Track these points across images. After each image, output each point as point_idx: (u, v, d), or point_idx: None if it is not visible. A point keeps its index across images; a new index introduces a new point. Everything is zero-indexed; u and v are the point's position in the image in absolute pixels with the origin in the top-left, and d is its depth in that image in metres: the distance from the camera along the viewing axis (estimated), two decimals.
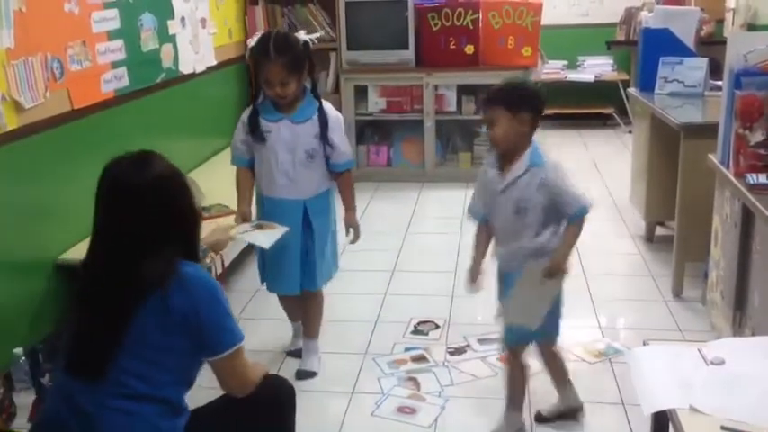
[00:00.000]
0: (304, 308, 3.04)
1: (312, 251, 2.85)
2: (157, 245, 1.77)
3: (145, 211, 1.77)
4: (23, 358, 2.82)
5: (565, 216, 2.36)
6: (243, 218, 2.81)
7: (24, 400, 2.74)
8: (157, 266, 1.75)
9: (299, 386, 2.60)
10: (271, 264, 2.90)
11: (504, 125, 2.31)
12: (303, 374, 2.95)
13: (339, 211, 2.97)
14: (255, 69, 2.74)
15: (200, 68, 4.54)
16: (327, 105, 2.84)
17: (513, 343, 2.55)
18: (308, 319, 3.05)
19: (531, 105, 2.33)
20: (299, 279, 2.87)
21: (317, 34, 3.01)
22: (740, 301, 2.60)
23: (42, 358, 2.82)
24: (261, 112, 2.78)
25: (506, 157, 2.38)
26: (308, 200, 2.81)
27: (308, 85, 2.83)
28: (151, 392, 1.76)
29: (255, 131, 2.76)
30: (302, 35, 2.77)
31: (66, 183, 3.14)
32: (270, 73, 2.66)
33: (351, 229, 2.94)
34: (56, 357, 1.84)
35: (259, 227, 2.73)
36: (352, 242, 2.98)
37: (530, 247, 2.37)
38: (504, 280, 2.49)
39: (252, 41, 2.76)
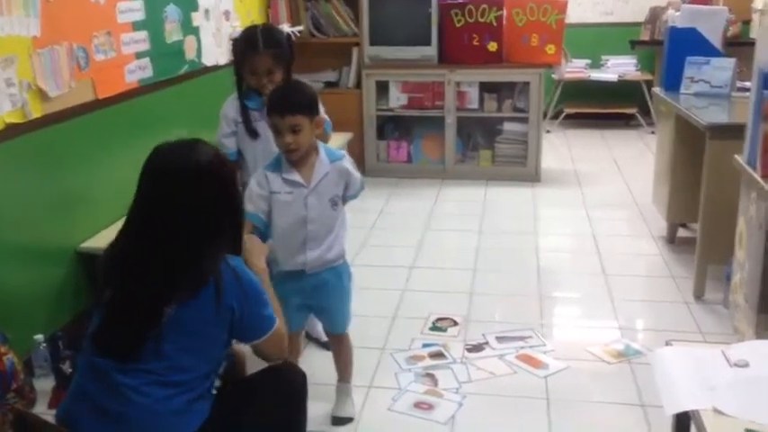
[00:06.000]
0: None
1: None
2: (204, 234, 1.78)
3: (194, 195, 1.77)
4: (44, 345, 2.84)
5: (347, 197, 2.43)
6: None
7: (44, 386, 2.76)
8: (208, 262, 1.77)
9: (316, 379, 2.60)
10: None
11: (307, 131, 2.30)
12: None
13: None
14: (240, 61, 2.82)
15: (222, 61, 4.55)
16: None
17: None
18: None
19: (317, 108, 2.34)
20: None
21: (300, 27, 3.08)
22: (765, 305, 2.56)
23: (62, 345, 2.84)
24: (247, 102, 2.83)
25: (301, 161, 2.34)
26: None
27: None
28: (185, 378, 1.79)
29: (249, 127, 2.80)
30: (285, 28, 2.89)
31: (88, 171, 3.16)
32: (257, 64, 2.74)
33: None
34: (82, 340, 1.83)
35: None
36: None
37: (341, 234, 2.41)
38: (321, 284, 2.43)
39: (234, 34, 2.86)
